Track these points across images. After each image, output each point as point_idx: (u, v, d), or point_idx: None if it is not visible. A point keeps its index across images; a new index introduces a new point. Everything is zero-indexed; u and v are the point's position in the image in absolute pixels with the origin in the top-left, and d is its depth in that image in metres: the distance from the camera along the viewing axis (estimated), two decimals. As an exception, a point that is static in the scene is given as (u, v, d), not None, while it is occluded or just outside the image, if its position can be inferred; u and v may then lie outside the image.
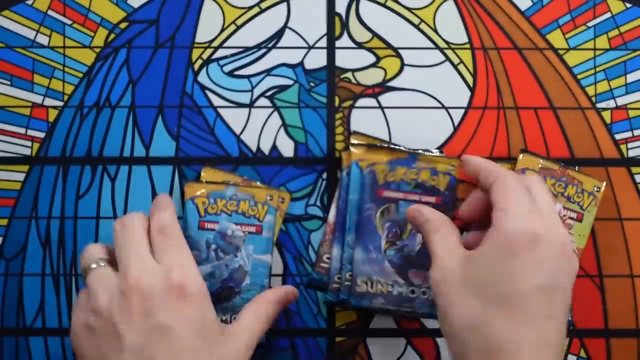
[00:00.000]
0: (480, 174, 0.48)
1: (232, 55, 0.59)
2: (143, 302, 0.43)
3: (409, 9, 0.60)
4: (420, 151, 0.56)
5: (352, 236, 0.55)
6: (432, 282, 0.45)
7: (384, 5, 0.60)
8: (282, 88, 0.59)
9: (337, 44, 0.60)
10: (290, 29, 0.60)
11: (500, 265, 0.42)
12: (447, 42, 0.60)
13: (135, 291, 0.43)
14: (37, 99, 0.59)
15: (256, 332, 0.47)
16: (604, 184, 0.56)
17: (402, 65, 0.59)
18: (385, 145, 0.57)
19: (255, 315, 0.48)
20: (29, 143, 0.59)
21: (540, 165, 0.56)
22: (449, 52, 0.60)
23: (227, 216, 0.55)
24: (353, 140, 0.57)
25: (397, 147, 0.56)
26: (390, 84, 0.59)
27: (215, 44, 0.59)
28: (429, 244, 0.47)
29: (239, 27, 0.60)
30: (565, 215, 0.55)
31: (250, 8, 0.60)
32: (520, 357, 0.40)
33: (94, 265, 0.48)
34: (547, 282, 0.41)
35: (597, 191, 0.56)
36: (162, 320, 0.43)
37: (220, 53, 0.59)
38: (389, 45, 0.60)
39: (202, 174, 0.57)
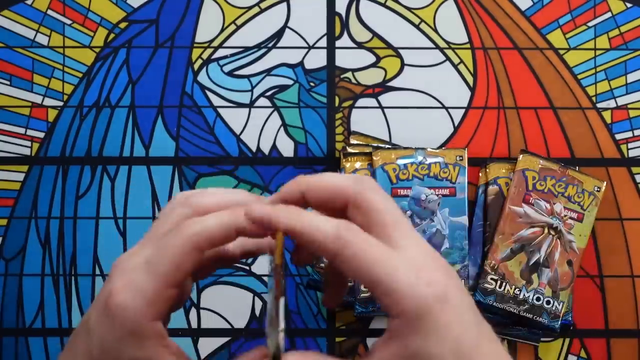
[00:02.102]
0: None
1: (232, 55, 0.59)
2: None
3: (409, 8, 0.60)
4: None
5: None
6: None
7: (384, 5, 0.60)
8: (282, 88, 0.59)
9: (337, 44, 0.59)
10: (290, 29, 0.60)
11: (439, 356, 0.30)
12: (447, 42, 0.60)
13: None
14: (37, 99, 0.59)
15: None
16: (605, 183, 0.56)
17: (402, 65, 0.59)
18: (386, 145, 0.57)
19: None
20: (28, 143, 0.59)
21: (540, 165, 0.55)
22: (449, 52, 0.59)
23: (419, 181, 0.56)
24: (352, 141, 0.57)
25: (397, 146, 0.56)
26: (390, 84, 0.59)
27: (215, 44, 0.59)
28: None
29: (239, 27, 0.60)
30: (565, 216, 0.55)
31: (250, 8, 0.60)
32: None
33: None
34: (468, 323, 0.31)
35: (597, 191, 0.56)
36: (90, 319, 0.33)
37: (220, 53, 0.59)
38: (389, 45, 0.59)
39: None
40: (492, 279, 0.54)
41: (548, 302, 0.54)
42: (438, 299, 0.29)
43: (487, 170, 0.57)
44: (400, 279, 0.29)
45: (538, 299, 0.54)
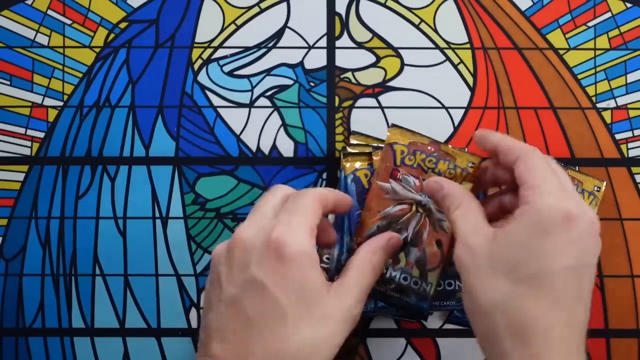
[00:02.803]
0: (500, 150, 0.46)
1: (232, 55, 0.59)
2: (242, 255, 0.42)
3: (409, 8, 0.60)
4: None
5: (349, 238, 0.54)
6: (456, 259, 0.43)
7: (384, 5, 0.60)
8: (282, 88, 0.59)
9: (337, 43, 0.59)
10: (290, 29, 0.60)
11: (532, 244, 0.41)
12: (447, 42, 0.60)
13: (238, 243, 0.43)
14: (37, 98, 0.59)
15: (363, 285, 0.45)
16: (605, 183, 0.55)
17: (402, 65, 0.59)
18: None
19: (358, 267, 0.45)
20: (28, 143, 0.59)
21: (409, 140, 0.51)
22: (449, 52, 0.60)
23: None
24: (352, 141, 0.57)
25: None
26: (390, 83, 0.59)
27: (215, 43, 0.59)
28: (450, 220, 0.45)
29: (239, 27, 0.60)
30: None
31: (250, 8, 0.60)
32: (550, 336, 0.40)
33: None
34: (577, 262, 0.41)
35: (597, 191, 0.55)
36: (255, 274, 0.41)
37: (220, 53, 0.59)
38: (389, 45, 0.60)
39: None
40: None
41: (415, 283, 0.51)
42: (564, 216, 0.41)
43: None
44: (549, 188, 0.42)
45: (405, 278, 0.51)
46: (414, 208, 0.50)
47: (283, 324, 0.41)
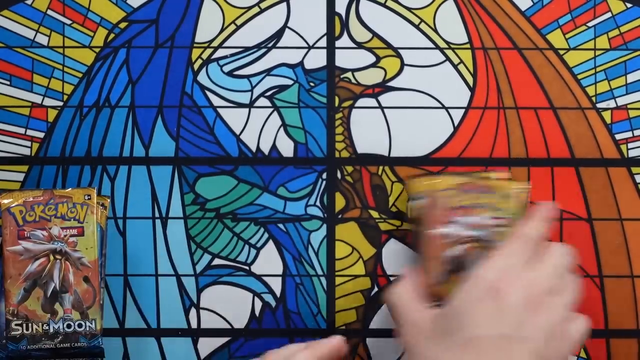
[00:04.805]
0: None
1: (232, 55, 0.59)
2: None
3: (409, 9, 0.60)
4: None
5: None
6: (402, 335, 0.49)
7: (384, 5, 0.60)
8: (282, 88, 0.59)
9: (337, 44, 0.59)
10: (290, 28, 0.60)
11: (466, 311, 0.45)
12: (447, 42, 0.60)
13: None
14: (37, 98, 0.59)
15: None
16: (529, 186, 0.52)
17: (402, 65, 0.59)
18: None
19: None
20: (28, 143, 0.59)
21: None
22: (449, 52, 0.59)
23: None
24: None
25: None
26: (390, 84, 0.59)
27: (215, 43, 0.59)
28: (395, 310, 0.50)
29: (238, 27, 0.60)
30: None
31: (250, 8, 0.60)
32: None
33: None
34: (509, 332, 0.44)
35: (519, 193, 0.52)
36: None
37: (220, 53, 0.59)
38: (389, 45, 0.60)
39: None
40: (16, 324, 0.52)
41: (80, 325, 0.52)
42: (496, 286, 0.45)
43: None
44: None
45: (69, 326, 0.52)
46: (52, 257, 0.51)
47: None
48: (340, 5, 0.59)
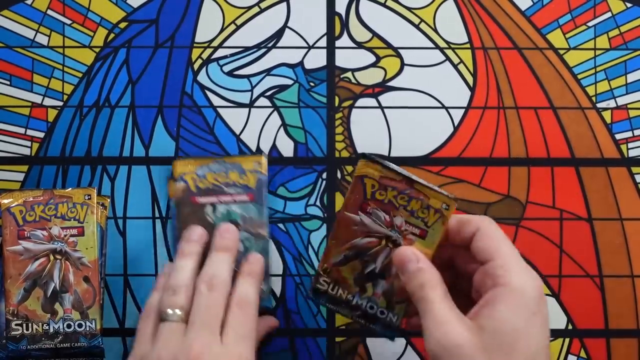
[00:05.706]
0: (458, 219, 0.47)
1: (232, 55, 0.59)
2: None
3: (409, 8, 0.60)
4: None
5: None
6: (437, 349, 0.42)
7: (384, 5, 0.60)
8: (282, 88, 0.59)
9: (337, 43, 0.59)
10: (290, 28, 0.60)
11: (519, 328, 0.41)
12: (447, 42, 0.60)
13: None
14: (37, 98, 0.59)
15: None
16: (455, 203, 0.48)
17: (402, 65, 0.59)
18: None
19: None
20: (28, 143, 0.59)
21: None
22: (449, 52, 0.59)
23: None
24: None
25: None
26: (390, 83, 0.59)
27: (215, 43, 0.59)
28: (422, 297, 0.44)
29: (238, 27, 0.60)
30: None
31: (250, 8, 0.60)
32: None
33: (170, 312, 0.46)
34: (548, 338, 0.43)
35: (445, 209, 0.49)
36: None
37: (220, 53, 0.59)
38: (389, 45, 0.60)
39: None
40: (16, 324, 0.53)
41: (80, 325, 0.54)
42: (540, 293, 0.42)
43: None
44: (517, 264, 0.43)
45: (69, 325, 0.53)
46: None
47: None
48: (340, 5, 0.59)
